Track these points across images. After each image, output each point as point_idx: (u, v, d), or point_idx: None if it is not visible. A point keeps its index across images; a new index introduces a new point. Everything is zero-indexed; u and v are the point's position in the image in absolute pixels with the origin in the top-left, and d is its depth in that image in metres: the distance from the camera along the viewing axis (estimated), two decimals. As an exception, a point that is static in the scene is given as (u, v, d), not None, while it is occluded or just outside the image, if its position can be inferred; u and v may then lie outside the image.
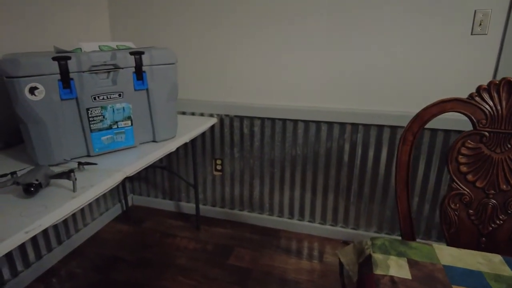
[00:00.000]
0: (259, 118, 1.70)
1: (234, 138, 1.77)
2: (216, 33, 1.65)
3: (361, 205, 1.69)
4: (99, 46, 1.27)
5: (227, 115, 1.74)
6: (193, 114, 1.78)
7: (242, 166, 1.81)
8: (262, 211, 1.86)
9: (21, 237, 0.70)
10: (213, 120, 1.70)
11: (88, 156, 1.17)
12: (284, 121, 1.66)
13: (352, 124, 1.57)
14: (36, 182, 0.86)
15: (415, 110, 1.49)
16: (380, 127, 1.54)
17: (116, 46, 1.32)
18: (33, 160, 1.10)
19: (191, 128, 1.49)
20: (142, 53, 1.18)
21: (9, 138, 1.30)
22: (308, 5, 1.49)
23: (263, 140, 1.73)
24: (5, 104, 1.30)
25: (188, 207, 1.99)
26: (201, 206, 1.96)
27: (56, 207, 0.81)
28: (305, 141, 1.66)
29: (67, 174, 0.89)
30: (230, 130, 1.76)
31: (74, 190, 0.89)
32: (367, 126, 1.56)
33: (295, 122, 1.64)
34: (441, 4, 1.34)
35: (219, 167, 1.86)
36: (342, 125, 1.58)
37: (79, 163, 1.02)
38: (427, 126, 1.47)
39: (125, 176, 1.02)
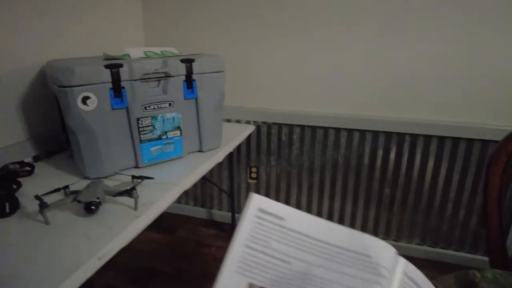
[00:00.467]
0: (298, 125, 1.64)
1: (271, 145, 1.72)
2: (252, 35, 1.59)
3: (404, 216, 1.62)
4: (144, 52, 1.22)
5: (264, 122, 1.69)
6: (228, 121, 1.73)
7: (279, 174, 1.75)
8: (298, 221, 1.81)
9: (95, 263, 0.66)
10: (251, 128, 1.64)
11: (136, 167, 1.12)
12: (326, 129, 1.60)
13: (398, 133, 1.50)
14: (97, 201, 0.81)
15: (472, 121, 1.42)
16: (427, 137, 1.48)
17: (161, 52, 1.27)
18: (82, 172, 1.05)
19: (231, 136, 1.44)
20: (193, 60, 1.13)
21: (49, 147, 1.25)
22: (350, 6, 1.42)
23: (302, 148, 1.67)
24: (46, 112, 1.25)
25: (220, 215, 1.94)
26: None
27: (121, 228, 0.76)
28: (348, 150, 1.60)
29: (129, 192, 0.84)
30: (267, 138, 1.71)
31: (135, 208, 0.84)
32: (413, 136, 1.49)
33: (338, 130, 1.58)
34: None
35: (254, 175, 1.80)
36: (388, 134, 1.52)
37: (134, 177, 0.97)
38: (482, 137, 1.41)
39: (182, 191, 0.97)
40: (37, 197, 0.81)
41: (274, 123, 1.67)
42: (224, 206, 1.93)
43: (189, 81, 1.14)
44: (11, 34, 1.12)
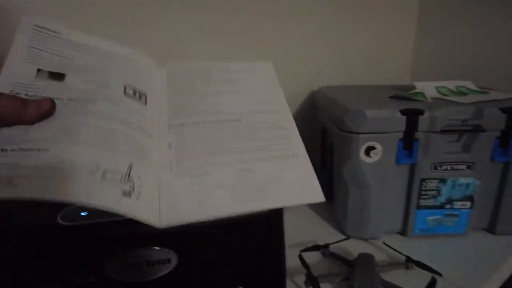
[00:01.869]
0: None
1: None
2: None
3: None
4: (436, 87, 0.96)
5: None
6: None
7: None
8: None
9: None
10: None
11: (403, 235, 0.89)
12: None
13: None
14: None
15: None
16: None
17: (455, 87, 0.98)
18: (340, 226, 0.91)
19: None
20: (521, 110, 0.78)
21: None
22: None
23: None
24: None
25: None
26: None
27: None
28: None
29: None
30: None
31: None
32: None
33: None
34: None
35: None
36: None
37: (409, 260, 0.74)
38: None
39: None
40: (300, 258, 0.71)
41: None
42: None
43: (507, 138, 0.80)
44: (293, 57, 1.09)
